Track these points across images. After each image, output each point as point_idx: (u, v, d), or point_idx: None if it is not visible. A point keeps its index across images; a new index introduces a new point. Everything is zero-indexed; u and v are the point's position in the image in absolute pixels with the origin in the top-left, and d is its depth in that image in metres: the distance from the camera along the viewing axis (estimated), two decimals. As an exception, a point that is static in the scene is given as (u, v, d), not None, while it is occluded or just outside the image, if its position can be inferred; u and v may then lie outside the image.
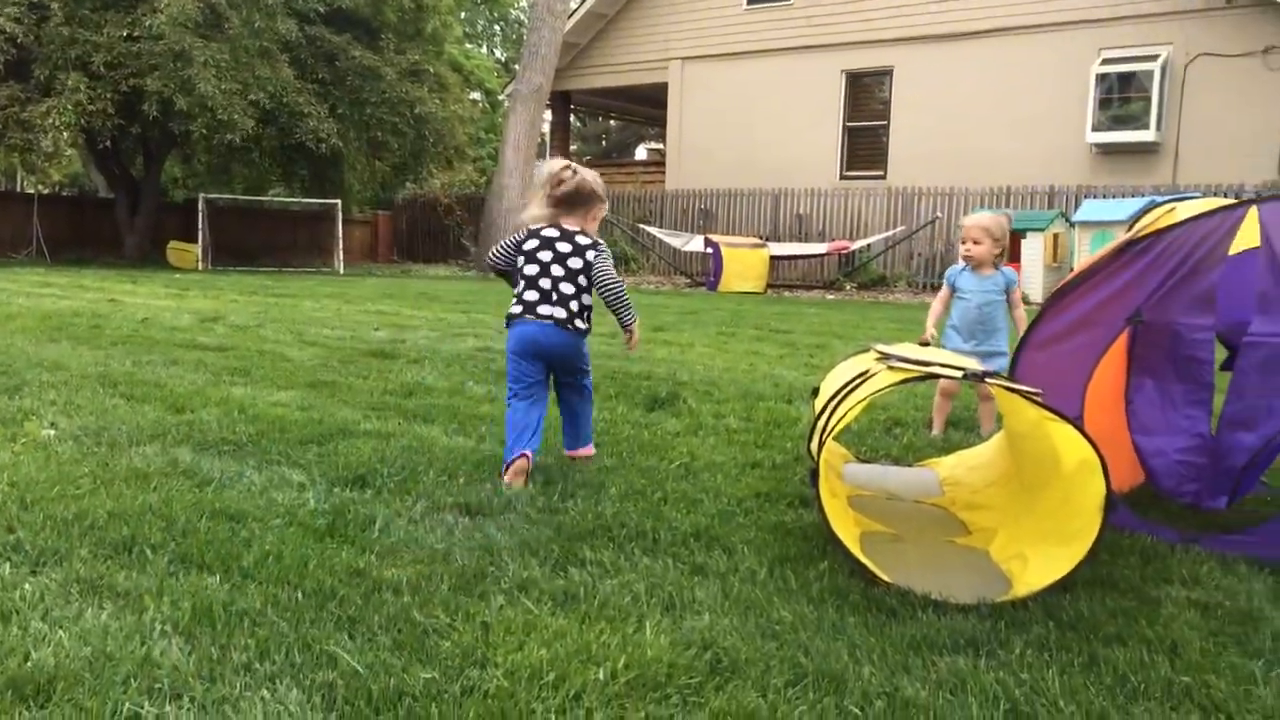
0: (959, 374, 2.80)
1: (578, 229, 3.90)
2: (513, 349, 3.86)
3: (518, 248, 3.89)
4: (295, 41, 18.41)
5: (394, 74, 19.52)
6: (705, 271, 19.13)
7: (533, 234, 3.88)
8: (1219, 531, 3.16)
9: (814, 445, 3.26)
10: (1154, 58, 17.16)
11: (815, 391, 4.17)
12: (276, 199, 23.92)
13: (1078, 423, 3.04)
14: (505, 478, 3.53)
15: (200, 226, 19.66)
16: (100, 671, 2.05)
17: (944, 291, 4.97)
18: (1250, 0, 16.29)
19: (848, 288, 18.34)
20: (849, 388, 3.40)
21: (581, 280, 3.85)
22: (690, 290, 17.69)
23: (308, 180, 23.05)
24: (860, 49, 20.24)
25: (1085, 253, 15.48)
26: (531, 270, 3.84)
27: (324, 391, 5.27)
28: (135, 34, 16.50)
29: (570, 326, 3.87)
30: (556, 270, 3.80)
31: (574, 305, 3.85)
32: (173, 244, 20.33)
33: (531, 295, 3.84)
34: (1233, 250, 3.31)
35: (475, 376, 5.93)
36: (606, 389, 5.61)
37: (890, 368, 2.91)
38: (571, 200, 3.88)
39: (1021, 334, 4.58)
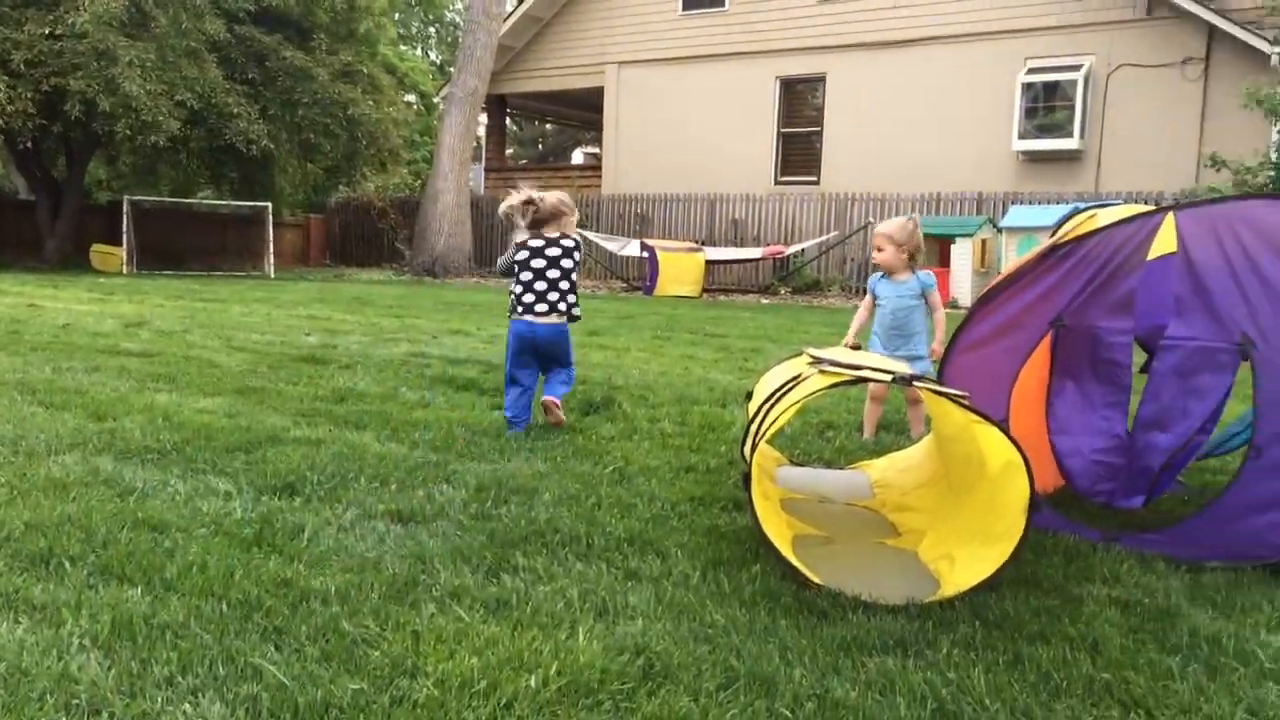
0: (888, 378, 2.84)
1: (559, 234, 4.78)
2: (512, 343, 4.75)
3: (523, 262, 4.74)
4: (224, 41, 18.07)
5: (326, 75, 19.26)
6: (641, 276, 19.15)
7: (522, 245, 4.75)
8: (1138, 531, 3.24)
9: (747, 449, 3.29)
10: (1077, 68, 17.57)
11: (749, 396, 4.20)
12: (205, 201, 23.44)
13: (1003, 425, 3.11)
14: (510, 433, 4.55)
15: (125, 229, 19.20)
16: (15, 688, 1.99)
17: (867, 299, 5.05)
18: (1169, 13, 16.75)
19: (782, 292, 18.49)
20: (781, 391, 3.44)
21: (574, 276, 4.78)
22: (626, 295, 17.71)
23: (237, 183, 22.62)
24: (794, 56, 20.44)
25: (1012, 257, 15.80)
26: (526, 276, 4.72)
27: (252, 398, 5.17)
28: (57, 32, 16.07)
29: (562, 318, 4.75)
30: (552, 274, 4.70)
31: (568, 299, 4.76)
32: (96, 247, 19.83)
33: (528, 298, 4.71)
34: (1150, 255, 3.40)
35: (409, 382, 5.87)
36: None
37: (821, 372, 2.93)
38: (544, 221, 4.78)
39: (940, 335, 4.68)
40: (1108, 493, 3.26)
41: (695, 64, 21.52)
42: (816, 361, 3.76)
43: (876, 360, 3.96)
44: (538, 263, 4.69)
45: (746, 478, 2.86)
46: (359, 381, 5.81)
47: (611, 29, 22.46)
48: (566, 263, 4.72)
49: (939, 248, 16.97)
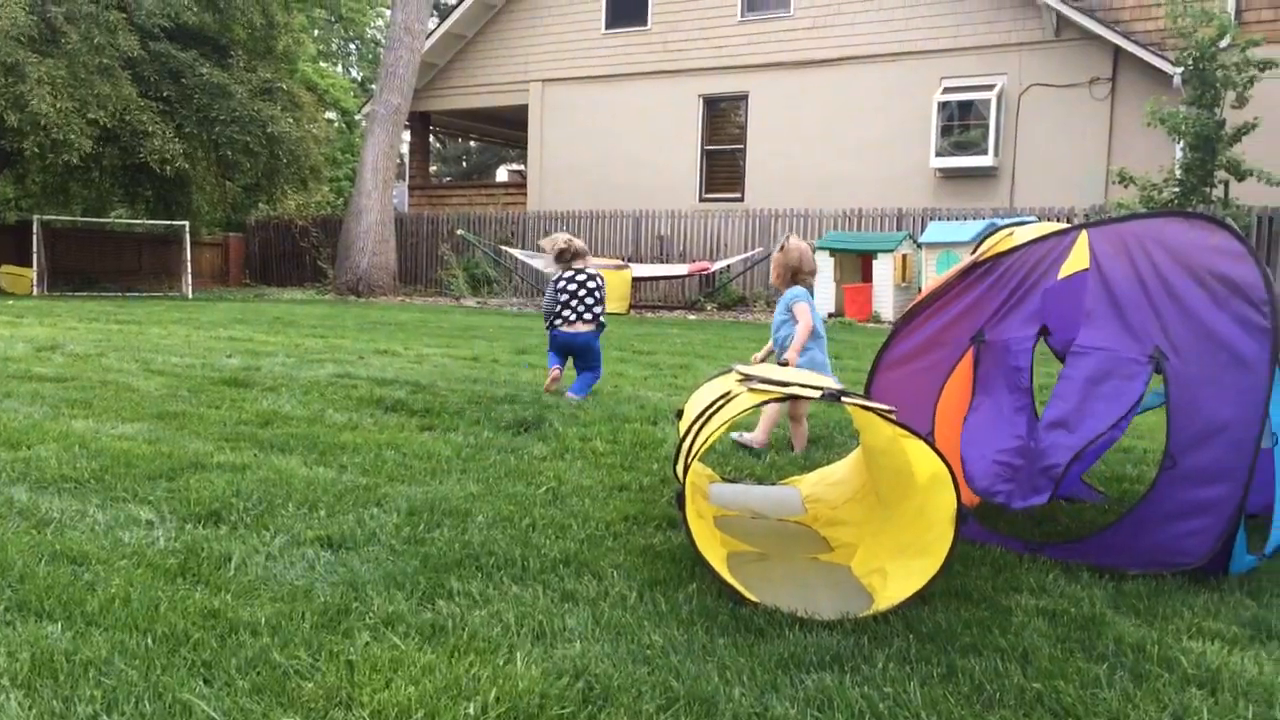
0: (816, 394, 2.87)
1: (584, 266, 6.48)
2: (553, 344, 6.49)
3: (560, 288, 6.41)
4: (138, 58, 17.67)
5: (244, 92, 18.92)
6: (568, 293, 19.13)
7: (567, 279, 6.39)
8: (1061, 541, 3.32)
9: (679, 467, 3.30)
10: (990, 87, 18.04)
11: (679, 414, 4.22)
12: (119, 221, 22.85)
13: (928, 438, 3.17)
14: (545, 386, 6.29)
15: (35, 250, 18.62)
16: (-72, 733, 1.92)
17: None
18: (1077, 34, 17.29)
19: (709, 308, 18.62)
20: (712, 409, 3.47)
21: (599, 294, 6.49)
22: (553, 312, 17.66)
23: (153, 201, 22.09)
24: (716, 74, 20.65)
25: (931, 272, 16.14)
26: (563, 298, 6.37)
27: (173, 423, 5.05)
28: (-40, 47, 15.58)
29: (590, 325, 6.44)
30: (588, 299, 6.42)
31: (594, 310, 6.47)
32: (5, 268, 19.20)
33: (567, 313, 6.37)
34: (1064, 273, 3.51)
35: (335, 404, 5.78)
36: (471, 413, 5.54)
37: (750, 389, 2.96)
38: (575, 256, 6.47)
39: (795, 345, 4.76)
40: (1005, 493, 3.30)
41: (619, 82, 21.62)
42: (746, 379, 3.80)
43: (806, 376, 4.02)
44: (571, 287, 6.38)
45: (680, 496, 2.87)
46: (284, 404, 5.71)
47: (535, 47, 22.47)
48: (591, 284, 6.44)
49: (861, 263, 17.26)
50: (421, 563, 2.97)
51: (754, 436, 4.96)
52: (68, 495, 3.62)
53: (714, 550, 2.94)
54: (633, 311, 17.85)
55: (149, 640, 2.36)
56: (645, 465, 4.47)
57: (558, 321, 6.39)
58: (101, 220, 22.50)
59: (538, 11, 22.40)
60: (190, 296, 19.72)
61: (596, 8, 21.74)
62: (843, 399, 2.88)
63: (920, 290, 16.67)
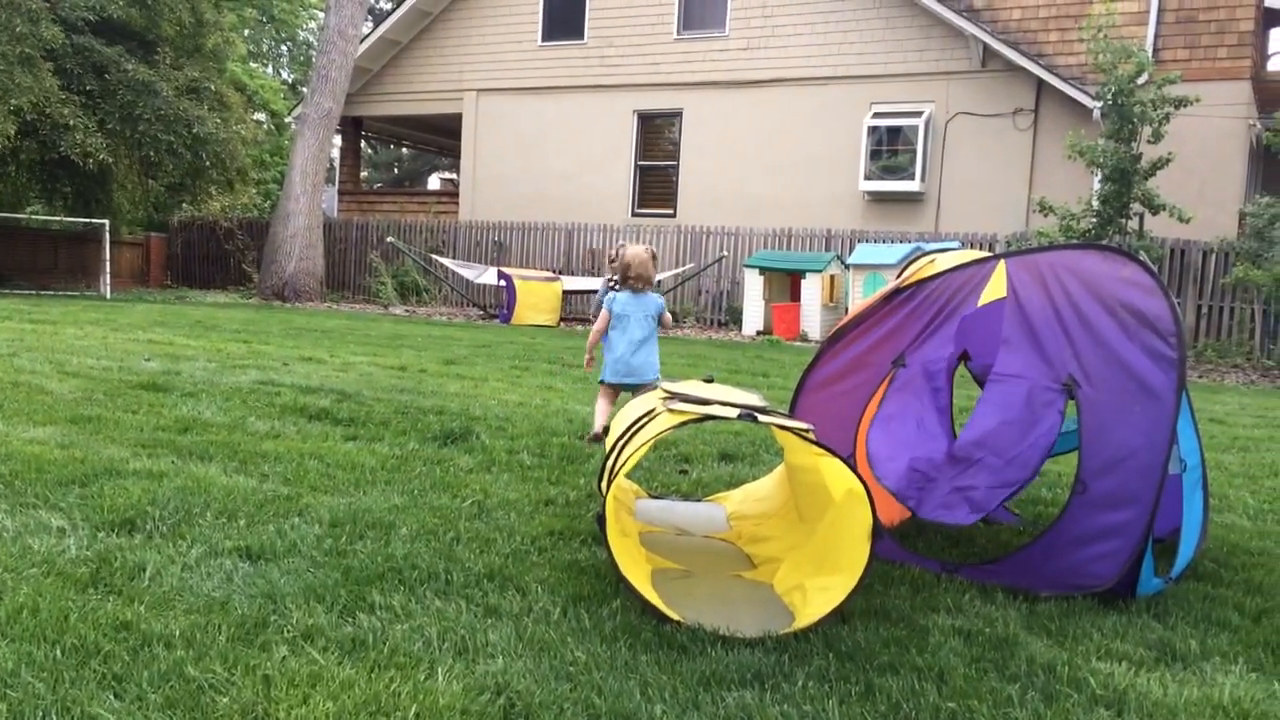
0: (733, 413, 2.90)
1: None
2: None
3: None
4: (61, 50, 17.21)
5: (171, 90, 18.51)
6: (499, 303, 19.05)
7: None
8: (977, 562, 3.40)
9: (604, 484, 3.31)
10: (918, 114, 18.42)
11: (606, 430, 4.24)
12: (35, 217, 22.19)
13: (846, 459, 3.22)
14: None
15: (-56, 244, 18.02)
16: None
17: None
18: (1002, 66, 17.74)
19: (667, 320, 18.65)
20: (636, 426, 3.49)
21: None
22: (483, 323, 17.56)
23: (71, 198, 21.51)
24: (651, 90, 20.77)
25: (858, 293, 16.40)
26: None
27: (87, 427, 4.92)
28: None
29: None
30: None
31: None
32: (-90, 263, 18.55)
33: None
34: (983, 300, 3.60)
35: (257, 411, 5.68)
36: (397, 423, 5.49)
37: (670, 410, 2.97)
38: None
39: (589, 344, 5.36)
40: (916, 499, 3.34)
41: (554, 94, 21.63)
42: (670, 397, 3.83)
43: (729, 393, 4.06)
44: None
45: (601, 517, 2.88)
46: (204, 410, 5.59)
47: (470, 56, 22.38)
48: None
49: (790, 282, 17.47)
50: (343, 575, 2.94)
51: (598, 427, 5.18)
52: (-26, 501, 3.50)
53: (638, 567, 2.95)
54: (563, 324, 17.82)
55: (58, 652, 2.30)
56: (572, 480, 4.47)
57: None
58: (16, 216, 21.83)
59: (473, 21, 22.34)
60: (109, 297, 19.22)
61: (533, 19, 21.74)
62: (759, 418, 2.91)
63: (847, 310, 16.94)
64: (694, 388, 4.15)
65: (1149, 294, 3.22)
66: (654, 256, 5.55)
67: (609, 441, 4.06)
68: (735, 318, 18.53)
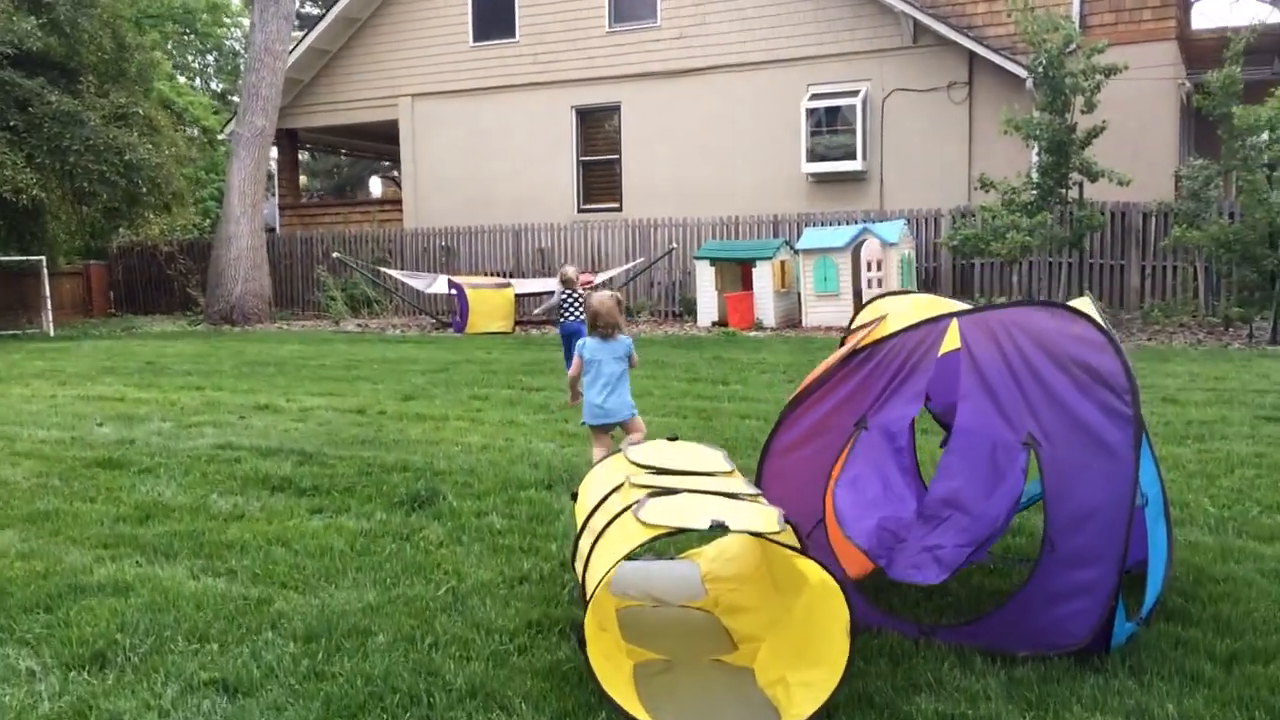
0: (704, 524, 2.89)
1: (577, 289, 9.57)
2: (563, 339, 9.85)
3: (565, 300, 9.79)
4: (-21, 87, 16.81)
5: (98, 119, 18.11)
6: (451, 310, 18.93)
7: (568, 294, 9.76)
8: (953, 623, 3.45)
9: (581, 578, 3.31)
10: (855, 93, 18.49)
11: (574, 496, 4.24)
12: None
13: (808, 534, 3.25)
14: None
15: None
16: None
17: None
18: (933, 40, 17.84)
19: (593, 322, 18.61)
20: (604, 506, 3.51)
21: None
22: (438, 335, 17.44)
23: (4, 231, 21.02)
24: (587, 85, 20.65)
25: (809, 277, 16.50)
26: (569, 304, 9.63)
27: (46, 526, 4.83)
28: None
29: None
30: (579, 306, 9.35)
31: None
32: None
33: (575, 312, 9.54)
34: (940, 352, 3.65)
35: (218, 484, 5.61)
36: (363, 489, 5.46)
37: (639, 519, 2.95)
38: (570, 282, 9.71)
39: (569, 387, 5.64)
40: (887, 559, 3.38)
41: (490, 95, 21.43)
42: (636, 466, 3.84)
43: (695, 455, 4.07)
44: (567, 297, 9.79)
45: (581, 641, 2.87)
46: (163, 489, 5.52)
47: (402, 61, 22.10)
48: (580, 294, 9.51)
49: (741, 271, 17.52)
50: (324, 707, 2.92)
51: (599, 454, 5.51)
52: (-62, 641, 3.44)
53: (619, 670, 2.96)
54: (518, 328, 17.75)
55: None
56: (544, 546, 4.47)
57: (566, 316, 9.84)
58: (-53, 255, 21.31)
59: (402, 25, 22.05)
60: (52, 335, 18.84)
61: (462, 20, 21.50)
62: (732, 530, 2.90)
63: (799, 295, 17.03)
64: (658, 451, 4.17)
65: (1100, 350, 3.27)
66: (619, 303, 5.75)
67: (577, 513, 4.06)
68: (689, 309, 18.55)
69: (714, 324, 17.36)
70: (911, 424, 3.58)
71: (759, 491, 3.43)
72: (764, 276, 16.97)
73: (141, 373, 11.22)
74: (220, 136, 25.40)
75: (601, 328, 5.64)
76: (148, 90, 22.31)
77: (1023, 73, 16.09)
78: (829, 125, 18.99)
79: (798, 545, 2.93)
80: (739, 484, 3.50)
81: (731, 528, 2.84)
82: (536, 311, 10.52)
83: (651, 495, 3.19)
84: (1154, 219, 15.99)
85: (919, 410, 3.58)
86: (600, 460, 5.49)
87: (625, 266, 19.04)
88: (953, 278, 17.59)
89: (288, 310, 21.93)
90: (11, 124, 17.54)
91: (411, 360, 12.28)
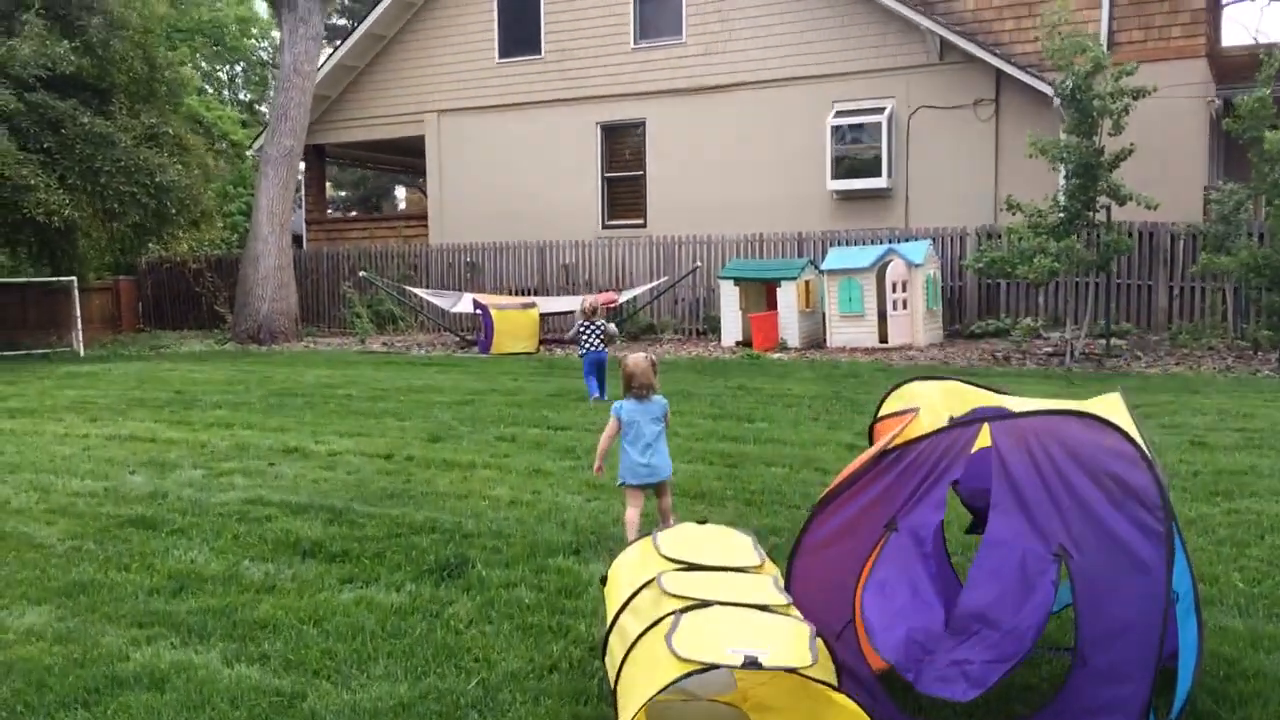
0: (738, 661, 2.89)
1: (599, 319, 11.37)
2: (586, 364, 11.31)
3: (585, 329, 11.32)
4: (14, 110, 17.00)
5: (129, 140, 18.31)
6: (476, 328, 19.02)
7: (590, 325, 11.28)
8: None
9: (612, 686, 3.33)
10: (880, 110, 18.44)
11: (603, 580, 4.26)
12: (2, 280, 21.88)
13: (850, 692, 3.24)
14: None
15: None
16: None
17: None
18: (960, 57, 17.77)
19: (618, 340, 18.60)
20: (634, 598, 3.54)
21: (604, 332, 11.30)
22: (462, 355, 17.53)
23: (35, 247, 21.32)
24: (612, 102, 20.71)
25: (834, 298, 16.46)
26: (587, 334, 11.23)
27: (82, 601, 4.89)
28: None
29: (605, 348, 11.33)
30: (599, 336, 11.33)
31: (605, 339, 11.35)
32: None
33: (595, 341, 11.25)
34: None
35: (250, 549, 5.68)
36: (392, 555, 5.50)
37: (675, 654, 2.94)
38: (594, 312, 11.54)
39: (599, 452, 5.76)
40: (915, 673, 3.37)
41: (516, 111, 21.53)
42: (665, 557, 3.86)
43: (720, 544, 4.07)
44: (586, 328, 11.22)
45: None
46: (195, 554, 5.58)
47: (428, 77, 22.24)
48: (600, 324, 11.23)
49: (766, 290, 17.50)
50: (359, 830, 2.95)
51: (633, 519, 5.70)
52: (-20, 743, 3.50)
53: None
54: (542, 348, 17.81)
55: None
56: (573, 626, 4.49)
57: (590, 348, 11.23)
58: (-19, 273, 21.62)
59: (429, 42, 22.18)
60: (82, 354, 19.06)
61: (489, 37, 21.61)
62: (763, 664, 2.88)
63: (824, 316, 16.99)
64: (687, 541, 4.18)
65: (1133, 465, 3.26)
66: (653, 364, 5.82)
67: (606, 600, 4.08)
68: (713, 326, 18.56)
69: (738, 343, 17.37)
70: (939, 529, 3.58)
71: (789, 600, 3.43)
72: (788, 296, 16.96)
73: (171, 405, 11.34)
74: (249, 152, 25.61)
75: (636, 389, 5.73)
76: (177, 106, 22.52)
77: (1050, 90, 15.99)
78: (854, 142, 18.96)
79: (830, 680, 2.93)
80: (769, 588, 3.51)
81: (764, 665, 2.85)
82: (566, 336, 12.23)
83: (685, 610, 3.20)
84: (1183, 240, 15.85)
85: (942, 517, 3.58)
86: (632, 526, 5.59)
87: (649, 285, 19.08)
88: (978, 297, 17.53)
89: (314, 325, 22.10)
90: (45, 145, 17.77)
91: (437, 390, 12.35)
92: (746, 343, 17.10)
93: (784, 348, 16.70)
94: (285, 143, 19.55)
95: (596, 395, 11.05)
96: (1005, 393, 4.15)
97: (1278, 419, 9.32)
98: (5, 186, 16.81)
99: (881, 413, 4.33)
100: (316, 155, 24.38)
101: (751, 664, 2.82)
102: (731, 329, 17.55)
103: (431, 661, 4.14)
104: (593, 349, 11.21)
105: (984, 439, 3.64)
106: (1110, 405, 3.77)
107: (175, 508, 6.60)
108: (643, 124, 20.66)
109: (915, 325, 16.08)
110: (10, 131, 17.12)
